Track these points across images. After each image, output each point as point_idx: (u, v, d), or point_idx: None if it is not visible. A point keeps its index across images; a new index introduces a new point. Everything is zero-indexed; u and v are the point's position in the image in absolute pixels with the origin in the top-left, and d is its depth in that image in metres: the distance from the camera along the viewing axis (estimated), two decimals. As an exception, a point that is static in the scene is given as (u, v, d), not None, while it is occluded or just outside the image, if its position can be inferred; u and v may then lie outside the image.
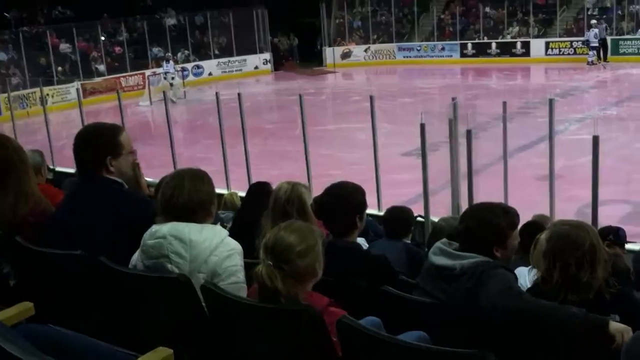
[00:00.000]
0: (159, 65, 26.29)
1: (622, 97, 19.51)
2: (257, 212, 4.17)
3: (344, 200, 3.35)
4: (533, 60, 27.61)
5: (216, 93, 9.31)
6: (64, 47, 26.44)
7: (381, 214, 6.57)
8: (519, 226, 3.12)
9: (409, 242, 5.03)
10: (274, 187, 4.51)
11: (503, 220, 3.00)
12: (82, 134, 3.25)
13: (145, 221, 2.91)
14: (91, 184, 3.18)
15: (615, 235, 4.96)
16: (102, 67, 26.79)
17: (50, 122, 11.61)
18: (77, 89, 17.22)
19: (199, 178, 2.92)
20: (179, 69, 25.78)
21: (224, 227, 4.09)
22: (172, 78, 23.84)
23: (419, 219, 6.72)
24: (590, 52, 25.44)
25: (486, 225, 2.97)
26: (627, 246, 5.54)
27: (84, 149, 3.18)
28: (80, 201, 3.17)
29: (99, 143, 3.18)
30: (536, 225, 4.10)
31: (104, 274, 2.79)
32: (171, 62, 24.74)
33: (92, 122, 3.73)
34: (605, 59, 25.54)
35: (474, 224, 3.01)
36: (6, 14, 26.38)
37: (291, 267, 2.46)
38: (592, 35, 25.30)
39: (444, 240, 3.14)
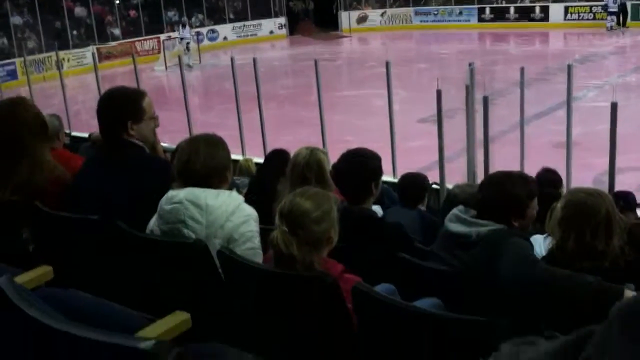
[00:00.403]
0: (174, 30, 26.20)
1: (642, 64, 19.21)
2: (274, 179, 4.18)
3: (359, 166, 3.34)
4: (552, 26, 27.20)
5: (231, 58, 9.26)
6: (79, 10, 26.35)
7: (396, 180, 6.56)
8: None
9: (424, 209, 5.02)
10: (291, 154, 4.50)
11: (522, 189, 3.00)
12: (105, 97, 3.30)
13: (163, 186, 2.93)
14: (112, 147, 3.21)
15: (625, 201, 4.89)
16: (117, 31, 26.73)
17: (66, 86, 11.64)
18: (93, 53, 17.22)
19: (215, 144, 2.93)
20: (194, 33, 25.67)
21: (240, 192, 4.11)
22: (188, 43, 23.74)
23: (434, 186, 6.70)
24: (609, 17, 24.99)
25: (505, 195, 2.97)
26: None
27: (107, 111, 3.20)
28: (101, 165, 3.23)
29: (120, 107, 3.20)
30: (551, 194, 4.07)
31: (121, 239, 2.82)
32: (187, 26, 24.61)
33: (108, 86, 3.75)
34: (624, 25, 25.07)
35: (492, 193, 3.00)
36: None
37: (307, 233, 2.46)
38: (610, 0, 24.83)
39: (461, 207, 3.14)
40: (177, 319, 2.17)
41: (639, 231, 4.12)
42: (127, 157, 3.17)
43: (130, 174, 3.10)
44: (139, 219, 2.94)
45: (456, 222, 3.03)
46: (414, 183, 5.07)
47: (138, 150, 3.19)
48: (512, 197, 2.96)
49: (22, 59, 18.85)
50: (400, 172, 7.00)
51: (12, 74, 21.86)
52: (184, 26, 24.33)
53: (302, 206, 2.50)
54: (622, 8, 25.09)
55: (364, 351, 2.27)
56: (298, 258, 2.41)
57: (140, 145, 3.20)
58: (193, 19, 27.73)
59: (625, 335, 0.88)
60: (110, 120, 3.19)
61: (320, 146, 8.32)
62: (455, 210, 3.11)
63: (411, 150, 9.42)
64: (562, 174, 6.72)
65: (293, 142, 9.47)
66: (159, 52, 24.94)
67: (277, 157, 5.02)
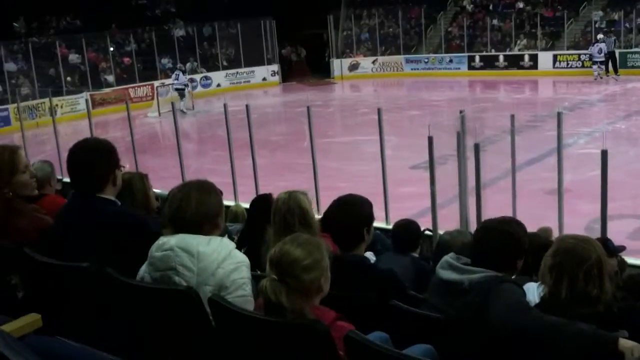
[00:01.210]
0: (168, 76, 26.42)
1: (631, 111, 19.44)
2: (262, 225, 4.17)
3: (351, 213, 3.34)
4: (541, 73, 27.58)
5: (224, 104, 9.33)
6: (73, 57, 26.60)
7: (389, 227, 6.56)
8: None
9: (417, 255, 5.00)
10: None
11: (520, 230, 3.07)
12: (84, 149, 3.18)
13: (141, 242, 2.90)
14: (85, 202, 3.13)
15: (605, 247, 4.85)
16: (111, 78, 26.93)
17: (59, 132, 11.67)
18: (87, 100, 17.30)
19: (206, 190, 2.92)
20: (187, 80, 25.94)
21: (232, 239, 4.09)
22: (183, 89, 23.86)
23: (426, 232, 6.70)
24: (594, 67, 25.32)
25: (509, 240, 3.01)
26: (631, 261, 5.51)
27: (89, 164, 3.12)
28: (76, 220, 3.13)
29: (106, 157, 3.17)
30: (540, 243, 4.07)
31: (111, 287, 2.79)
32: (184, 73, 24.76)
33: (101, 132, 3.76)
34: (616, 72, 25.40)
35: (496, 240, 3.02)
36: (15, 24, 26.55)
37: (296, 282, 2.44)
38: (595, 50, 25.15)
39: (452, 254, 3.14)
40: (166, 368, 2.14)
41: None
42: (103, 214, 3.09)
43: (108, 231, 3.04)
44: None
45: (448, 269, 3.02)
46: (407, 230, 5.06)
47: (113, 206, 3.15)
48: (515, 240, 3.03)
49: (15, 105, 18.94)
50: (393, 218, 7.01)
51: (5, 120, 21.93)
52: (183, 72, 24.48)
53: (292, 254, 2.48)
54: (611, 56, 25.45)
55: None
56: (287, 306, 2.39)
57: (112, 200, 3.17)
58: (187, 65, 28.00)
59: None
60: (96, 172, 3.11)
61: (313, 193, 8.36)
62: (447, 258, 3.11)
63: (403, 196, 9.45)
64: (554, 220, 6.76)
65: (285, 188, 9.45)
66: (152, 99, 25.10)
67: (261, 203, 5.01)
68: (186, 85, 24.11)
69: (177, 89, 23.75)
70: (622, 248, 4.66)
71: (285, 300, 2.38)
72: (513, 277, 3.10)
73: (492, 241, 3.02)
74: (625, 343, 2.45)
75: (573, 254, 2.73)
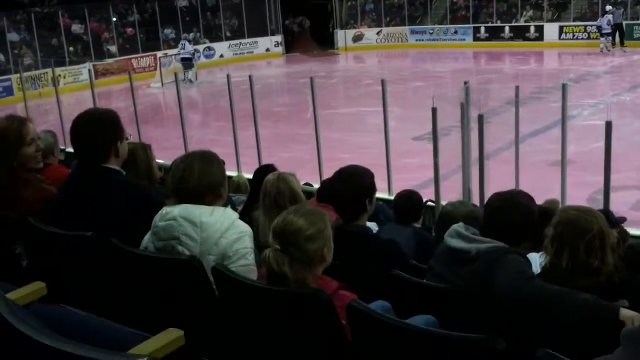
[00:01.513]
0: (171, 47, 26.29)
1: (636, 83, 19.32)
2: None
3: (354, 184, 3.34)
4: (546, 45, 27.37)
5: (227, 75, 9.28)
6: (76, 28, 26.46)
7: (392, 198, 6.56)
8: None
9: (419, 226, 5.01)
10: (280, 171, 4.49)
11: (532, 203, 3.09)
12: (86, 121, 3.17)
13: (144, 213, 2.92)
14: (90, 173, 3.13)
15: (606, 218, 4.85)
16: (114, 49, 26.81)
17: (62, 103, 11.64)
18: (90, 70, 17.26)
19: (209, 161, 2.92)
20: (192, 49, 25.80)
21: (235, 210, 4.10)
22: (191, 58, 23.67)
23: (429, 204, 6.70)
24: (602, 39, 25.08)
25: (525, 212, 3.03)
26: (633, 232, 5.51)
27: (92, 136, 3.11)
28: (80, 191, 3.13)
29: (109, 128, 3.15)
30: (547, 214, 4.08)
31: (115, 256, 2.81)
32: (190, 43, 24.58)
33: (104, 103, 3.75)
34: (622, 44, 25.17)
35: (511, 212, 3.03)
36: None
37: (300, 252, 2.45)
38: (605, 22, 24.90)
39: (462, 224, 3.15)
40: (170, 337, 2.15)
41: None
42: (106, 184, 3.11)
43: (112, 202, 3.05)
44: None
45: (457, 237, 3.04)
46: (409, 201, 5.06)
47: (117, 176, 3.16)
48: (534, 217, 3.05)
49: (18, 75, 18.88)
50: (396, 189, 7.00)
51: (8, 91, 21.91)
52: (190, 42, 24.32)
53: (296, 224, 2.48)
54: (619, 28, 25.21)
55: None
56: (290, 276, 2.40)
57: (118, 171, 3.17)
58: (191, 36, 27.80)
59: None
60: (98, 144, 3.10)
61: (316, 165, 8.36)
62: (456, 227, 3.13)
63: (407, 167, 9.44)
64: (557, 192, 6.75)
65: (289, 159, 9.49)
66: (155, 70, 25.01)
67: (264, 174, 5.00)
68: (193, 55, 24.00)
69: (183, 59, 23.59)
70: (623, 220, 4.66)
71: (289, 270, 2.39)
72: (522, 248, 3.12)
73: (507, 214, 3.02)
74: (626, 313, 2.46)
75: (575, 225, 2.74)
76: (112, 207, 3.04)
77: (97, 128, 3.14)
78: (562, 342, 1.97)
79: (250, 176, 6.84)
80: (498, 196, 3.19)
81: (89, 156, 3.13)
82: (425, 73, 23.84)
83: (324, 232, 2.53)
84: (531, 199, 3.14)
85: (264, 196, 3.70)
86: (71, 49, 25.75)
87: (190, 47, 23.93)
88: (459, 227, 3.11)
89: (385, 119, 8.05)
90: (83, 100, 14.26)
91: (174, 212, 2.79)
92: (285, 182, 3.69)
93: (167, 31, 28.43)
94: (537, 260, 3.08)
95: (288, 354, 2.49)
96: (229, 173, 3.78)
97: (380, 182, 3.73)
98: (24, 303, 2.31)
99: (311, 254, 2.48)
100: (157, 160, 4.40)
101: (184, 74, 22.20)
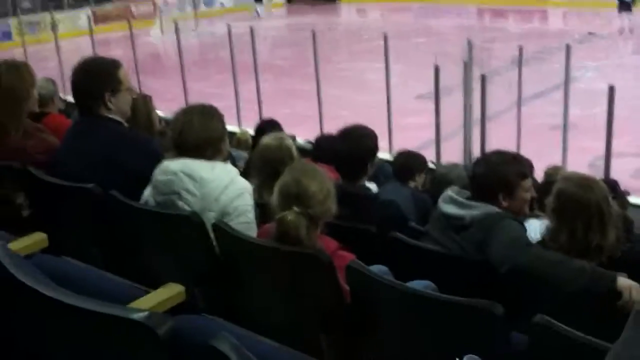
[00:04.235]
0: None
1: (641, 46, 19.14)
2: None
3: (357, 145, 3.33)
4: (552, 3, 26.97)
5: (228, 26, 9.17)
6: (75, -30, 25.96)
7: (391, 157, 6.54)
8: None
9: (419, 187, 5.00)
10: (284, 128, 4.46)
11: (512, 168, 2.97)
12: (79, 68, 3.17)
13: (142, 164, 2.92)
14: (89, 122, 3.14)
15: (614, 190, 4.79)
16: (112, -8, 26.37)
17: (60, 49, 11.51)
18: (88, 17, 16.99)
19: (209, 115, 2.90)
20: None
21: (236, 165, 4.09)
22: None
23: (430, 165, 6.69)
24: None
25: (493, 173, 2.95)
26: (637, 201, 5.53)
27: (82, 83, 3.11)
28: (79, 140, 3.14)
29: (97, 77, 3.12)
30: (549, 182, 4.03)
31: (116, 209, 2.81)
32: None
33: (103, 51, 3.71)
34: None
35: (481, 171, 2.99)
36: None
37: (314, 213, 2.46)
38: None
39: (455, 188, 3.12)
40: (171, 291, 2.17)
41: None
42: (103, 132, 3.10)
43: (108, 151, 3.04)
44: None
45: (450, 203, 3.01)
46: (409, 161, 5.05)
47: (115, 125, 3.13)
48: (500, 175, 2.94)
49: (16, 19, 18.61)
50: (396, 148, 6.99)
51: (7, 35, 21.62)
52: None
53: (310, 188, 2.47)
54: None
55: (356, 328, 2.28)
56: (305, 239, 2.41)
57: (118, 120, 3.15)
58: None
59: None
60: (87, 91, 3.10)
61: (317, 121, 8.32)
62: (448, 191, 3.09)
63: (408, 127, 9.39)
64: (558, 156, 6.75)
65: (290, 114, 9.43)
66: (155, 17, 24.66)
67: (269, 129, 4.97)
68: None
69: None
70: (627, 193, 4.64)
71: (304, 232, 2.40)
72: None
73: (481, 172, 2.99)
74: (623, 282, 2.48)
75: (573, 201, 2.70)
76: (113, 157, 3.03)
77: (89, 75, 3.14)
78: (559, 310, 1.99)
79: (251, 130, 6.82)
80: (481, 157, 3.17)
81: (83, 103, 3.13)
82: (428, 29, 23.55)
83: (332, 191, 2.55)
84: (516, 162, 3.03)
85: (263, 161, 3.66)
86: (70, -8, 25.30)
87: None
88: (451, 191, 3.06)
89: (387, 76, 7.99)
90: (82, 47, 14.09)
91: (174, 167, 2.78)
92: (288, 150, 3.64)
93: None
94: (537, 227, 3.08)
95: (287, 310, 2.51)
96: (230, 127, 3.75)
97: (381, 141, 3.71)
98: (25, 253, 2.31)
99: (321, 214, 2.50)
100: (157, 112, 4.38)
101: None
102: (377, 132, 3.62)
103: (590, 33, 19.10)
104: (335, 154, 3.40)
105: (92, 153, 3.05)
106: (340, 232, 2.70)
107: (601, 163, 6.28)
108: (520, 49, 8.25)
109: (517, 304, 2.16)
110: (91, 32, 11.06)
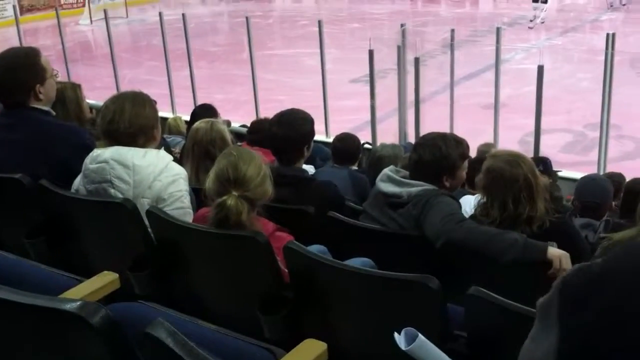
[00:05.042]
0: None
1: (568, 28, 19.67)
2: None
3: (293, 130, 3.32)
4: (482, -12, 27.43)
5: (160, 13, 9.02)
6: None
7: (329, 140, 6.58)
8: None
9: (355, 168, 5.05)
10: (220, 114, 4.41)
11: (455, 150, 3.05)
12: (5, 62, 3.07)
13: (71, 154, 2.89)
14: (15, 114, 3.05)
15: (544, 165, 4.99)
16: (39, -18, 25.54)
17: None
18: (14, 6, 16.45)
19: (141, 102, 2.85)
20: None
21: (171, 152, 4.04)
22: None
23: (366, 146, 6.75)
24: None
25: (439, 156, 3.01)
26: (565, 174, 5.71)
27: (8, 79, 3.02)
28: (5, 132, 3.04)
29: (23, 71, 3.04)
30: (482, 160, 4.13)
31: (46, 198, 2.74)
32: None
33: (30, 41, 3.60)
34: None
35: (427, 153, 3.04)
36: None
37: (252, 196, 2.46)
38: None
39: (392, 167, 3.17)
40: (105, 280, 2.13)
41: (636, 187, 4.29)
42: (33, 124, 3.03)
43: (37, 142, 2.98)
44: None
45: (388, 182, 3.05)
46: (347, 144, 5.09)
47: (45, 116, 3.07)
48: (445, 158, 3.01)
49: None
50: (333, 131, 7.03)
51: None
52: None
53: (248, 172, 2.47)
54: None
55: (294, 308, 2.28)
56: (246, 223, 2.39)
57: (45, 110, 3.09)
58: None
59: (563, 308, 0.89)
60: (15, 87, 3.02)
61: (253, 106, 8.28)
62: (386, 170, 3.13)
63: (343, 109, 9.43)
64: (490, 134, 6.90)
65: (225, 100, 9.34)
66: (83, 6, 24.00)
67: (204, 114, 4.92)
68: None
69: None
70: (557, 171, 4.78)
71: (245, 216, 2.38)
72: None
73: (424, 156, 3.04)
74: (554, 251, 2.56)
75: (501, 177, 2.80)
76: (41, 148, 2.96)
77: (15, 69, 3.04)
78: (494, 281, 2.03)
79: (187, 117, 6.73)
80: (421, 139, 3.23)
81: (11, 98, 3.04)
82: (362, 14, 23.66)
83: (267, 173, 2.55)
84: (457, 143, 3.10)
85: (193, 143, 3.65)
86: (-7, -19, 24.41)
87: None
88: (389, 170, 3.12)
89: (322, 61, 8.00)
90: (8, 38, 13.63)
91: (105, 155, 2.72)
92: (218, 132, 3.65)
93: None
94: (470, 202, 3.15)
95: (227, 296, 2.50)
96: (163, 114, 3.69)
97: (317, 124, 3.71)
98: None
99: (259, 197, 2.50)
100: (88, 100, 4.28)
101: None
102: (313, 115, 3.61)
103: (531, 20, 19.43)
104: (271, 138, 3.38)
105: (21, 145, 2.97)
106: (278, 214, 2.70)
107: (531, 139, 6.45)
108: (452, 32, 8.37)
109: (453, 277, 2.20)
110: (17, 22, 10.66)
